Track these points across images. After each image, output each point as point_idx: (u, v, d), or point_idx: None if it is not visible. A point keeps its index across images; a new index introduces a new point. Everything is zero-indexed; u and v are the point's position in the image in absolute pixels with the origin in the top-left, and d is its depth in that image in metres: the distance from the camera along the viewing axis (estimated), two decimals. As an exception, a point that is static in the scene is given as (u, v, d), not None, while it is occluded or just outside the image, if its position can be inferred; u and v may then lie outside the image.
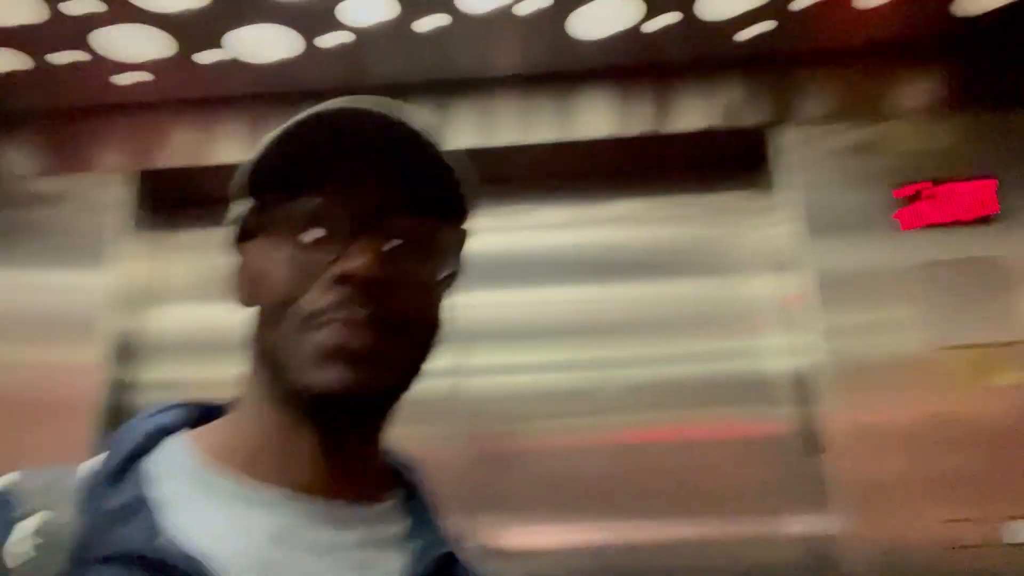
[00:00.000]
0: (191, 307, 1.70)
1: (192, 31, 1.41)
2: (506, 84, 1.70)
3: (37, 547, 0.40)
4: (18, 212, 1.61)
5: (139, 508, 0.44)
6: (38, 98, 1.62)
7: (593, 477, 1.56)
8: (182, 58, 1.49)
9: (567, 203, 1.80)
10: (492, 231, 1.46)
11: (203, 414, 0.54)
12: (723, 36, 1.61)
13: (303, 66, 1.52)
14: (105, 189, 1.61)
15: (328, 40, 1.47)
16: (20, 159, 1.68)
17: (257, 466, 0.48)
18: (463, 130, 1.67)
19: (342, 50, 1.49)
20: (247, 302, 0.51)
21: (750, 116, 1.68)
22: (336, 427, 0.49)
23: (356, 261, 0.46)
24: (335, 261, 0.46)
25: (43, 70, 1.52)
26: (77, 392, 1.49)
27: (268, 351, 0.48)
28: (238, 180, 0.51)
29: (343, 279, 0.46)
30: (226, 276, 0.54)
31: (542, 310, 1.71)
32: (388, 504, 0.53)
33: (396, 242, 0.48)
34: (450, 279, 0.53)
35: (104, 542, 0.41)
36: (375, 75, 1.60)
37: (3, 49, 1.46)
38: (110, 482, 0.45)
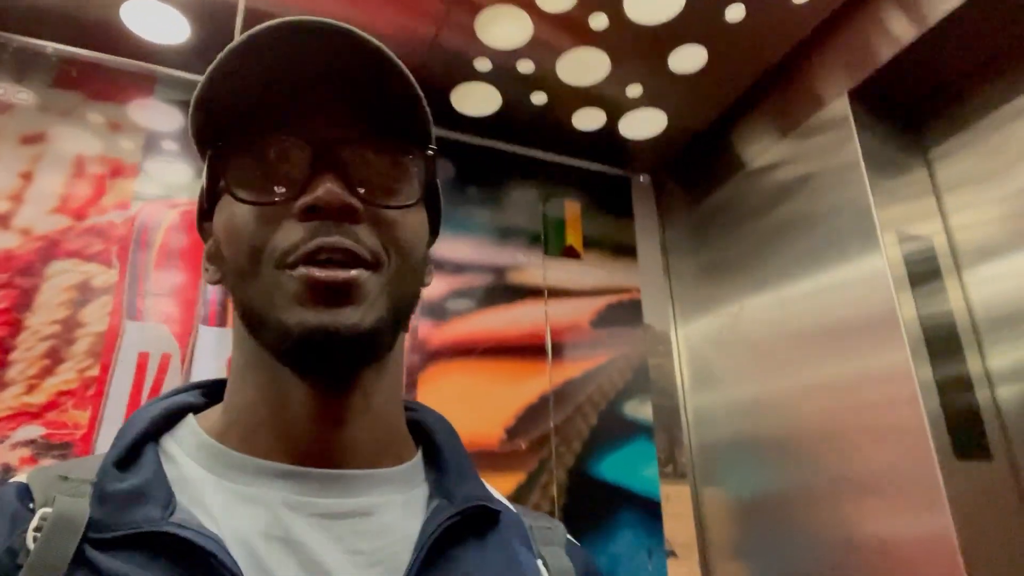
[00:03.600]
0: None
1: None
2: None
3: (51, 533, 0.40)
4: None
5: (153, 488, 0.43)
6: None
7: None
8: None
9: None
10: None
11: (221, 392, 0.53)
12: None
13: None
14: None
15: None
16: None
17: (258, 441, 0.47)
18: None
19: None
20: (222, 270, 0.49)
21: None
22: (329, 378, 0.47)
23: (321, 190, 0.43)
24: (300, 198, 0.44)
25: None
26: None
27: (246, 309, 0.46)
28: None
29: (311, 211, 0.44)
30: (206, 255, 0.52)
31: None
32: (408, 465, 0.51)
33: (360, 171, 0.46)
34: (425, 209, 0.51)
35: (115, 524, 0.41)
36: None
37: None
38: (120, 466, 0.45)
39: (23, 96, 1.30)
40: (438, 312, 1.49)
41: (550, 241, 1.67)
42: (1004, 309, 1.22)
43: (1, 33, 1.32)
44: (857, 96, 1.33)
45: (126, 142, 1.35)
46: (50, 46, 1.34)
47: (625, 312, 1.68)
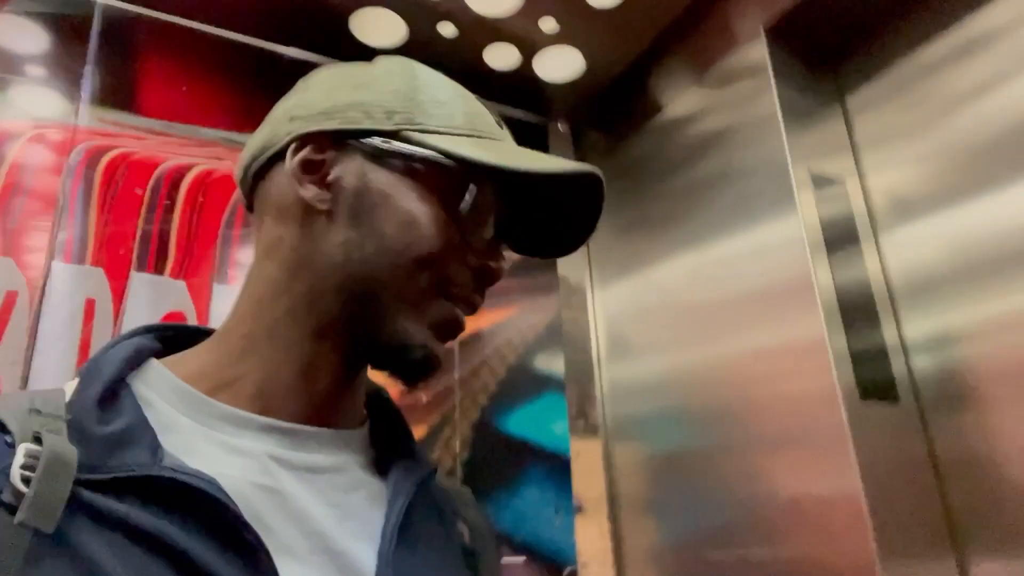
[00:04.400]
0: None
1: None
2: None
3: (46, 472, 0.38)
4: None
5: (140, 432, 0.43)
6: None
7: None
8: None
9: None
10: None
11: (176, 337, 0.54)
12: None
13: None
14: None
15: None
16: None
17: (265, 400, 0.48)
18: None
19: None
20: (343, 217, 0.50)
21: None
22: (355, 368, 0.53)
23: (502, 264, 0.53)
24: (479, 252, 0.52)
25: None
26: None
27: (373, 292, 0.49)
28: (424, 118, 0.52)
29: (489, 271, 0.52)
30: (304, 161, 0.51)
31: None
32: (366, 429, 0.55)
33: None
34: None
35: (107, 467, 0.41)
36: None
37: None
38: (101, 408, 0.43)
39: None
40: (336, 257, 1.38)
41: (461, 187, 1.58)
42: (921, 275, 1.17)
43: None
44: (773, 34, 1.27)
45: (-30, 55, 1.18)
46: None
47: (538, 263, 1.61)
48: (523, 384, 1.48)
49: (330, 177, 0.51)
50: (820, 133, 1.28)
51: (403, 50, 1.45)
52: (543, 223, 0.58)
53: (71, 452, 0.40)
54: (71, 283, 1.11)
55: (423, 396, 1.36)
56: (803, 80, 1.30)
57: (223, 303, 1.23)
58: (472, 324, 1.48)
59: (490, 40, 1.46)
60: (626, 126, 1.64)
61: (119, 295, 1.14)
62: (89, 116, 1.22)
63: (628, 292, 1.57)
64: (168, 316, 1.16)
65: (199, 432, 0.46)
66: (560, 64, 1.54)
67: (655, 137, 1.55)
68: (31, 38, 1.25)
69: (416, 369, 0.50)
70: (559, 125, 1.76)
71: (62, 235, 1.13)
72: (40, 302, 1.08)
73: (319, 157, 0.51)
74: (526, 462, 1.41)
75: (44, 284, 1.10)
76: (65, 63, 1.25)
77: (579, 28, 1.44)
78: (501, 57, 1.51)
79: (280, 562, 0.41)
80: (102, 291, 1.13)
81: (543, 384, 1.50)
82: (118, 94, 1.26)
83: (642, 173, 1.58)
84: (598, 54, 1.52)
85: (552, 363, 1.53)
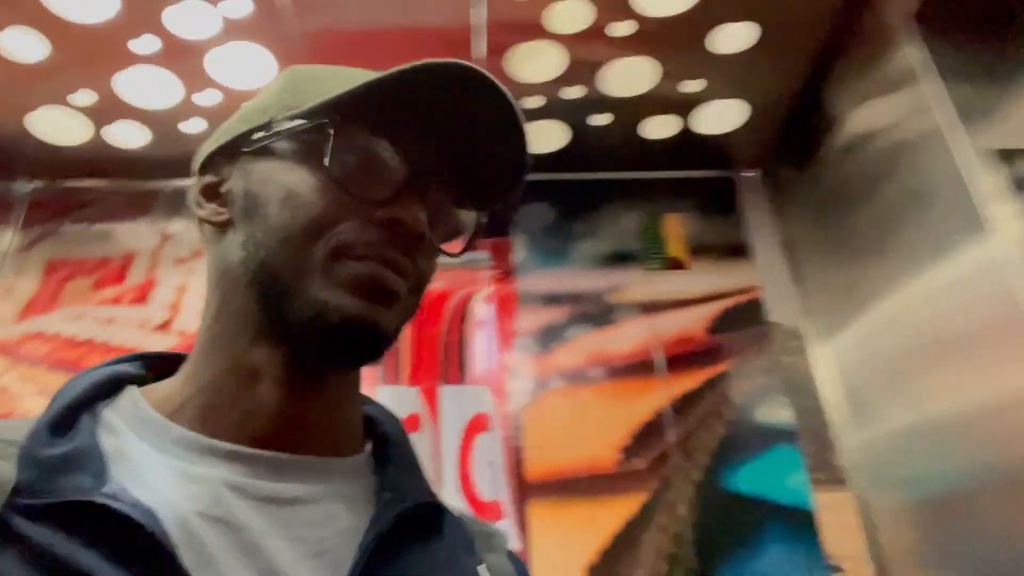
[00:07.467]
0: None
1: None
2: None
3: None
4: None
5: (86, 457, 0.41)
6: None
7: None
8: None
9: None
10: None
11: (166, 366, 0.52)
12: None
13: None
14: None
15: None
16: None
17: (212, 418, 0.46)
18: None
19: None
20: (235, 217, 0.49)
21: None
22: (329, 364, 0.48)
23: (411, 212, 0.47)
24: (384, 204, 0.47)
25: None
26: None
27: (270, 275, 0.46)
28: (295, 100, 0.50)
29: (394, 223, 0.46)
30: (203, 187, 0.53)
31: None
32: (362, 456, 0.51)
33: (436, 206, 0.50)
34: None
35: (43, 491, 0.39)
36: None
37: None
38: (52, 432, 0.43)
39: (176, 228, 1.61)
40: (543, 341, 1.51)
41: (652, 256, 1.64)
42: None
43: (159, 181, 1.66)
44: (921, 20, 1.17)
45: (253, 246, 1.59)
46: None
47: (745, 313, 1.57)
48: (748, 439, 1.42)
49: (223, 189, 0.51)
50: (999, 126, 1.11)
51: (566, 153, 1.61)
52: (484, 162, 0.51)
53: (6, 475, 0.40)
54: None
55: (641, 462, 1.38)
56: (966, 60, 1.16)
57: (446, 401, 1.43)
58: (682, 385, 1.49)
59: (644, 116, 1.55)
60: (808, 156, 1.57)
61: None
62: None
63: (852, 332, 1.44)
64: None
65: (154, 458, 0.44)
66: (721, 116, 1.56)
67: (839, 160, 1.46)
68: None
69: (343, 337, 0.45)
70: (742, 173, 1.75)
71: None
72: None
73: (214, 179, 0.52)
74: (763, 520, 1.34)
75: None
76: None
77: (723, 79, 1.46)
78: (660, 127, 1.58)
79: None
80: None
81: (771, 436, 1.43)
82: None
83: (839, 202, 1.48)
84: (755, 96, 1.52)
85: (777, 413, 1.45)
